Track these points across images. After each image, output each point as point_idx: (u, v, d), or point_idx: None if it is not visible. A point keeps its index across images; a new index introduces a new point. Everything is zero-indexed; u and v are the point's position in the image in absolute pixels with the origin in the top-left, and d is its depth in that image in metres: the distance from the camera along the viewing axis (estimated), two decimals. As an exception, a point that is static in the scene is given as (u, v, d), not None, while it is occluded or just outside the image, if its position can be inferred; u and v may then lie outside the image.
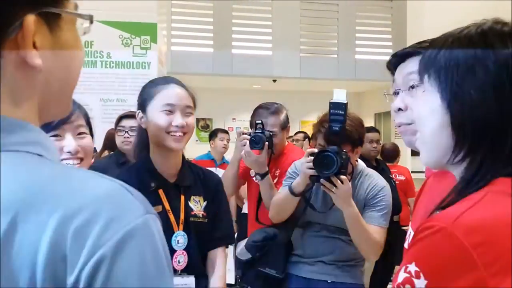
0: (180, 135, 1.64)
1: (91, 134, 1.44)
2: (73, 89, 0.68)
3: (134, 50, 5.13)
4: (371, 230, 2.06)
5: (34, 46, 0.58)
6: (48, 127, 1.25)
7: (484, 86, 0.75)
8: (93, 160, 1.93)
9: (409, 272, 0.68)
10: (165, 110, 1.64)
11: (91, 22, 0.68)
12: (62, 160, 1.31)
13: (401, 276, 0.70)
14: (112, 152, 3.17)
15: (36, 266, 0.51)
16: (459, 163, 0.79)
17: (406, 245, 1.25)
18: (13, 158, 0.56)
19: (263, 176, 2.49)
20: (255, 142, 2.45)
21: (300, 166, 2.10)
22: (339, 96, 2.03)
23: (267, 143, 2.45)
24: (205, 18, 8.26)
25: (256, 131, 2.49)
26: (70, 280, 0.51)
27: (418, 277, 0.67)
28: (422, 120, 0.83)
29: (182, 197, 1.68)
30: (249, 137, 2.48)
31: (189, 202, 1.69)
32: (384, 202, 2.13)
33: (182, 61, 7.88)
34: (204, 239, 1.70)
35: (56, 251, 0.51)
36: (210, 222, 1.72)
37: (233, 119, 10.61)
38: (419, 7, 6.54)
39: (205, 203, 1.73)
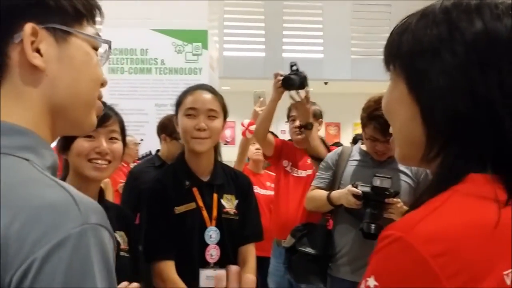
0: (202, 139, 1.73)
1: (124, 141, 1.54)
2: (89, 103, 0.74)
3: (186, 57, 5.34)
4: None
5: (39, 53, 0.67)
6: None
7: (452, 72, 0.66)
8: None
9: (368, 287, 0.63)
10: (188, 114, 1.74)
11: (110, 47, 0.78)
12: (92, 159, 1.44)
13: None
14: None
15: None
16: (433, 160, 0.70)
17: None
18: None
19: (306, 126, 2.56)
20: (287, 81, 2.43)
21: (345, 197, 2.16)
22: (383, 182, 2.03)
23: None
24: (256, 23, 8.42)
25: (291, 72, 2.48)
26: (6, 280, 0.56)
27: None
28: (390, 112, 0.76)
29: (215, 195, 1.80)
30: (282, 77, 2.47)
31: (221, 200, 1.81)
32: None
33: (234, 66, 8.07)
34: (235, 235, 1.81)
35: (1, 250, 0.56)
36: (240, 219, 1.83)
37: (285, 122, 10.68)
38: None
39: (237, 201, 1.84)
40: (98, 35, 0.76)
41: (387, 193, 2.05)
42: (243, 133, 3.29)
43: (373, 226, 2.02)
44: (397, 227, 0.63)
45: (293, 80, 2.44)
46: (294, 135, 2.93)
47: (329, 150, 2.71)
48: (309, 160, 2.83)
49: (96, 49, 0.76)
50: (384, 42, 0.76)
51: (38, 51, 0.67)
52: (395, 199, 2.07)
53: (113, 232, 0.64)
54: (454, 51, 0.66)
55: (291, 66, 2.50)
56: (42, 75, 0.68)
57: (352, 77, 8.50)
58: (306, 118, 2.57)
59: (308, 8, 8.59)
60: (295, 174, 2.87)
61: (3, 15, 0.66)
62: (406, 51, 0.71)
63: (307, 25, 8.63)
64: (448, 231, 0.60)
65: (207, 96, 1.78)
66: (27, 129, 0.67)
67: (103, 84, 0.78)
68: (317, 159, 2.66)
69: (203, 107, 1.75)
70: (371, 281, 0.62)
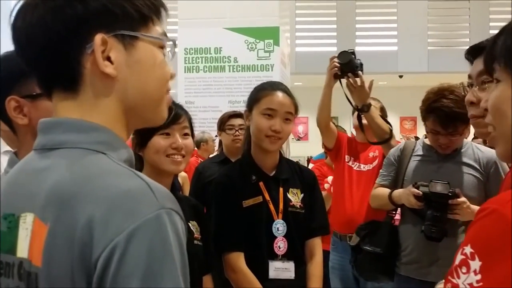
0: (275, 139, 1.80)
1: (193, 137, 1.66)
2: (158, 100, 0.78)
3: (258, 54, 5.43)
4: None
5: (110, 60, 0.71)
6: (160, 126, 1.50)
7: None
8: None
9: (465, 254, 0.68)
10: (266, 114, 1.80)
11: (175, 45, 0.81)
12: (169, 154, 1.55)
13: (458, 258, 0.70)
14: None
15: (73, 245, 0.63)
16: None
17: None
18: (78, 154, 0.70)
19: (362, 109, 2.52)
20: (346, 68, 2.45)
21: (406, 198, 2.12)
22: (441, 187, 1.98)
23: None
24: (328, 18, 8.36)
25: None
26: (93, 259, 0.62)
27: (473, 258, 0.67)
28: (499, 111, 0.78)
29: (281, 189, 1.85)
30: (338, 64, 2.48)
31: (287, 194, 1.86)
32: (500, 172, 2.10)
33: (306, 61, 8.08)
34: (302, 228, 1.86)
35: (86, 234, 0.62)
36: (307, 213, 1.87)
37: (359, 116, 10.53)
38: None
39: (302, 195, 1.88)
40: (165, 34, 0.79)
41: (450, 194, 1.97)
42: (328, 190, 3.29)
43: (434, 229, 1.96)
44: (493, 201, 0.71)
45: (351, 64, 2.46)
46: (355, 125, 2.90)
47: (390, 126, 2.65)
48: (371, 154, 2.79)
49: (162, 47, 0.78)
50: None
51: (108, 58, 0.72)
52: (459, 199, 1.98)
53: (186, 221, 0.70)
54: None
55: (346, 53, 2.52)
56: (114, 81, 0.73)
57: (429, 69, 8.20)
58: (362, 100, 2.52)
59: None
60: (357, 168, 2.84)
61: (74, 27, 0.70)
62: None
63: (380, 18, 8.45)
64: None
65: (286, 99, 1.82)
66: (102, 126, 0.73)
67: (172, 76, 0.81)
68: (384, 141, 2.61)
69: (281, 110, 1.80)
70: (467, 249, 0.69)
